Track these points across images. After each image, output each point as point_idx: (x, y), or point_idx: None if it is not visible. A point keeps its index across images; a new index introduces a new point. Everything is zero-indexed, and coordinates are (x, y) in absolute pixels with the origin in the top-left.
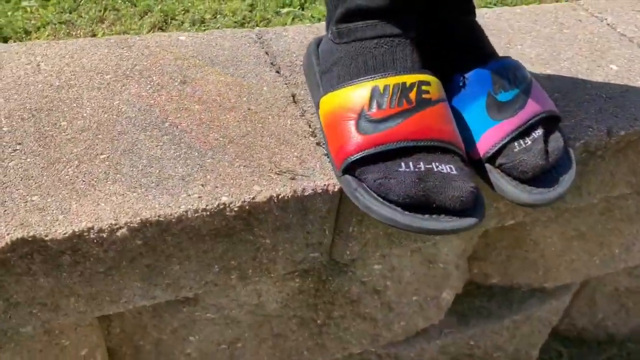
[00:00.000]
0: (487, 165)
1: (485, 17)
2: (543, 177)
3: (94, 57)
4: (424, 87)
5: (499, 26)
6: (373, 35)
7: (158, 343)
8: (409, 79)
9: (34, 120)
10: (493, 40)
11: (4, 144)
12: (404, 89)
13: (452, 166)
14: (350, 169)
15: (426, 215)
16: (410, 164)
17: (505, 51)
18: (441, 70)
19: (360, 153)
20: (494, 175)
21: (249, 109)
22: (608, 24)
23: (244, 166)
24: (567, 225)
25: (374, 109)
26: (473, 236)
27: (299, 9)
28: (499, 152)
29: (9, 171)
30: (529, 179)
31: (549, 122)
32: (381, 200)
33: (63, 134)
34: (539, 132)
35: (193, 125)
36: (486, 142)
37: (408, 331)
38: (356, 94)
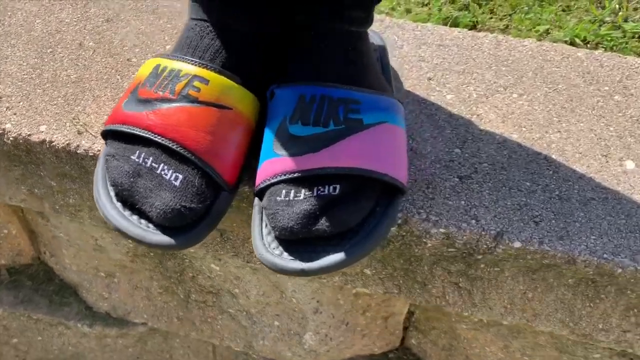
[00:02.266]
0: (256, 200)
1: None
2: (302, 244)
3: None
4: (195, 83)
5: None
6: (196, 17)
7: None
8: (190, 69)
9: None
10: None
11: None
12: (175, 77)
13: (180, 177)
14: (104, 136)
15: (130, 214)
16: (142, 155)
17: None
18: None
19: (109, 126)
20: (255, 214)
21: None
22: None
23: (55, 104)
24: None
25: (144, 87)
26: (322, 288)
27: None
28: (265, 191)
29: None
30: (285, 238)
31: (366, 185)
32: (103, 178)
33: None
34: (326, 190)
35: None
36: (260, 173)
37: (277, 356)
38: (144, 66)
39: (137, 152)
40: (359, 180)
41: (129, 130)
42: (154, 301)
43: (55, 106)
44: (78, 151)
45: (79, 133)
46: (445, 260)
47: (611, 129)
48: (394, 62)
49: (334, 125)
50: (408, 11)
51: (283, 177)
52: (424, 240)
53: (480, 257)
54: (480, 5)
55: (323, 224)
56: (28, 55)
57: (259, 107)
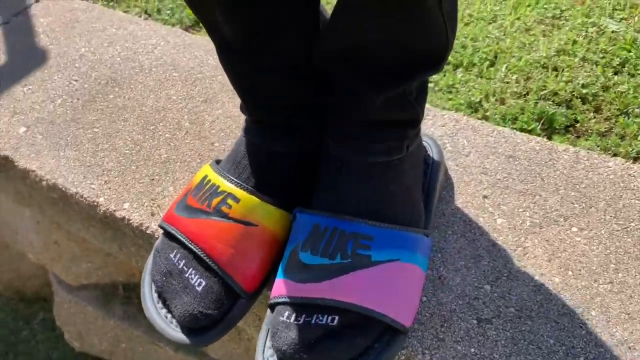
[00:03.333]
0: (268, 311)
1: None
2: None
3: None
4: (229, 201)
5: None
6: (245, 134)
7: None
8: (227, 187)
9: None
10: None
11: None
12: (214, 192)
13: (204, 283)
14: (160, 227)
15: (161, 307)
16: (177, 255)
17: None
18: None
19: (161, 222)
20: (264, 325)
21: None
22: None
23: (142, 183)
24: None
25: (191, 194)
26: None
27: None
28: (275, 307)
29: None
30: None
31: (367, 322)
32: (150, 270)
33: None
34: (324, 320)
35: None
36: (274, 289)
37: None
38: (199, 173)
39: (175, 251)
40: (359, 316)
41: (173, 232)
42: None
43: (141, 184)
44: (147, 231)
45: (152, 215)
46: None
47: None
48: (454, 171)
49: (341, 258)
50: (502, 102)
51: (287, 300)
52: None
53: None
54: (585, 101)
55: (314, 356)
56: (134, 130)
57: (289, 222)
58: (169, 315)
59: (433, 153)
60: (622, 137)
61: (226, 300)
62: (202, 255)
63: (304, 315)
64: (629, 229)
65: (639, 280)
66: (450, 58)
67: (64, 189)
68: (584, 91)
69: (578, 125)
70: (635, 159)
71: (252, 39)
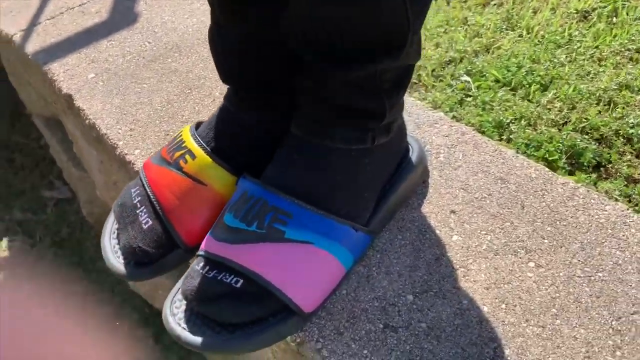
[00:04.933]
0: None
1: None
2: (200, 316)
3: None
4: (187, 156)
5: None
6: (224, 104)
7: None
8: (189, 144)
9: None
10: None
11: None
12: (178, 146)
13: (150, 222)
14: None
15: (115, 240)
16: (137, 192)
17: None
18: None
19: (140, 166)
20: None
21: None
22: None
23: (158, 135)
24: None
25: (165, 147)
26: None
27: None
28: (197, 257)
29: None
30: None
31: (270, 294)
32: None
33: None
34: (229, 280)
35: None
36: (203, 241)
37: None
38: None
39: (137, 188)
40: (261, 286)
41: (140, 174)
42: None
43: (157, 137)
44: None
45: None
46: None
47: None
48: (435, 181)
49: (257, 227)
50: (533, 128)
51: (203, 254)
52: None
53: None
54: (628, 142)
55: (209, 308)
56: (173, 91)
57: None
58: (118, 246)
59: (413, 156)
60: None
61: (165, 244)
62: (153, 199)
63: (215, 271)
64: (592, 279)
65: (576, 333)
66: (498, 75)
67: (98, 128)
68: (631, 131)
69: (609, 165)
70: None
71: (222, 14)
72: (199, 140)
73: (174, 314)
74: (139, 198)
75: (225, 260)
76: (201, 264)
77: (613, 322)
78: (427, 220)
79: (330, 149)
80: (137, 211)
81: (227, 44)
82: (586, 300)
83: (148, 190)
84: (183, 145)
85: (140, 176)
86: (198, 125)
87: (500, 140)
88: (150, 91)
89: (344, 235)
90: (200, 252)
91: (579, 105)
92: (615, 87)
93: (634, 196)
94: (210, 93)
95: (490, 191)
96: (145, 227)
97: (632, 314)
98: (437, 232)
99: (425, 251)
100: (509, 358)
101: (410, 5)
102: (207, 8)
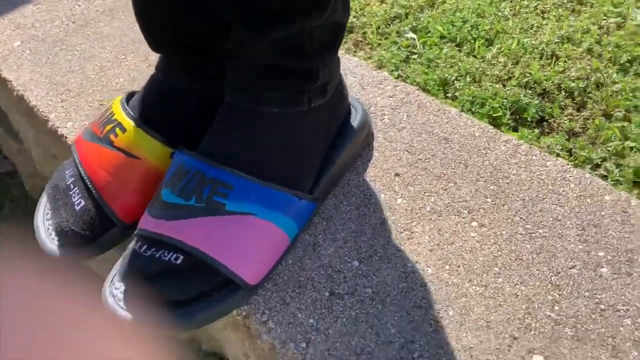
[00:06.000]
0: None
1: None
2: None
3: None
4: (117, 130)
5: None
6: (155, 73)
7: None
8: (119, 116)
9: None
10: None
11: None
12: (108, 120)
13: (83, 203)
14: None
15: (49, 222)
16: (69, 173)
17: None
18: None
19: (72, 143)
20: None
21: None
22: None
23: (91, 106)
24: None
25: (96, 121)
26: None
27: None
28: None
29: None
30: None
31: (210, 268)
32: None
33: None
34: (168, 257)
35: None
36: (140, 219)
37: None
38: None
39: (71, 169)
40: (202, 261)
41: (73, 152)
42: None
43: (90, 108)
44: None
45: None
46: None
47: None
48: (380, 144)
49: (195, 202)
50: (478, 84)
51: (141, 232)
52: (257, 341)
53: None
54: (570, 96)
55: (149, 286)
56: (106, 57)
57: None
58: (52, 228)
59: (356, 120)
60: (593, 142)
61: (100, 225)
62: (85, 177)
63: (153, 249)
64: (533, 235)
65: (517, 290)
66: (443, 31)
67: (27, 100)
68: (572, 85)
69: (552, 120)
70: (596, 166)
71: None
72: (129, 112)
73: (114, 294)
74: (72, 179)
75: (163, 237)
76: (139, 244)
77: (552, 278)
78: (372, 184)
79: (264, 113)
80: (70, 192)
81: (155, 11)
82: (527, 257)
83: (80, 168)
84: (113, 118)
85: (73, 155)
86: (131, 95)
87: (445, 98)
88: (82, 58)
89: (287, 204)
90: (137, 232)
91: (523, 59)
92: (558, 40)
93: (574, 150)
94: (146, 58)
95: (434, 152)
96: (77, 208)
97: (570, 269)
98: (382, 196)
99: (371, 216)
100: (452, 319)
101: None
102: None
